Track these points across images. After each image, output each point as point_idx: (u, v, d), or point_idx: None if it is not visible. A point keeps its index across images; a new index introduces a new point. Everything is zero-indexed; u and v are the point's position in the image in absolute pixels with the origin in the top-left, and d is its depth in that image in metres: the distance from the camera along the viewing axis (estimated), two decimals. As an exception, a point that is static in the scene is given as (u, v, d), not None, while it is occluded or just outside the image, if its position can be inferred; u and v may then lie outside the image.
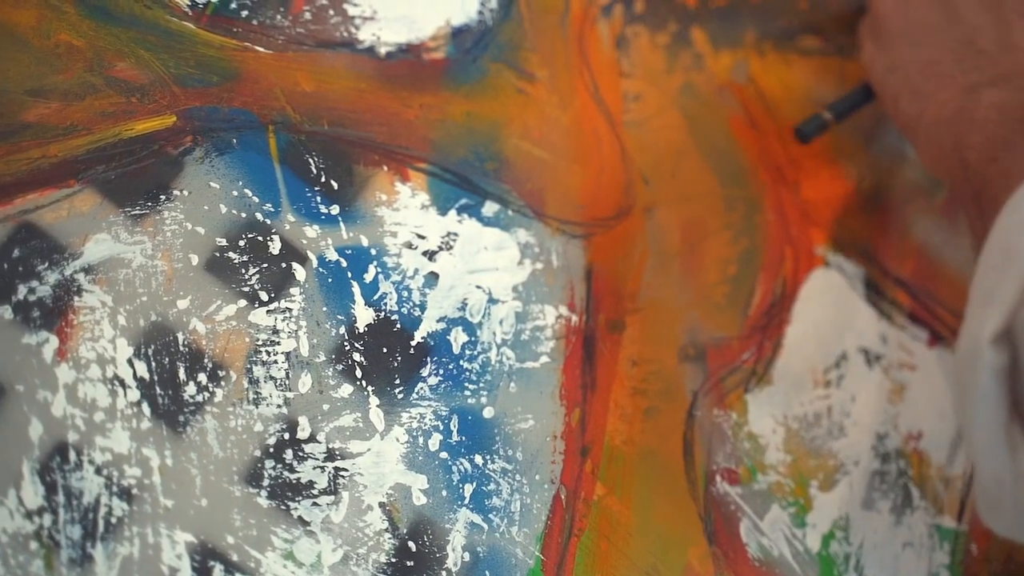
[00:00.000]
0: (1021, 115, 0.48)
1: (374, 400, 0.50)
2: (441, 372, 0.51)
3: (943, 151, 0.51)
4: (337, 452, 0.49)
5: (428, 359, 0.51)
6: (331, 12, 0.52)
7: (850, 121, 0.59)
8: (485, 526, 0.50)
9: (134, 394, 0.46)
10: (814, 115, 0.57)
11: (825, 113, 0.57)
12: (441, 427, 0.51)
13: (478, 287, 0.53)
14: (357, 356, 0.50)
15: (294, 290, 0.49)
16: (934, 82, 0.52)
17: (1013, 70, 0.50)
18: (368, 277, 0.51)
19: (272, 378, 0.48)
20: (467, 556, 0.49)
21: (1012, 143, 0.47)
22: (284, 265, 0.49)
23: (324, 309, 0.50)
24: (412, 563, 0.48)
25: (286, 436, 0.48)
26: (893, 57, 0.53)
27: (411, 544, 0.49)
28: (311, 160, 0.51)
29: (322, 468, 0.48)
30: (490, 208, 0.54)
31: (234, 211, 0.49)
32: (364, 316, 0.51)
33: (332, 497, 0.48)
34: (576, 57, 0.57)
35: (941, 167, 0.52)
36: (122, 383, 0.45)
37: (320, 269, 0.50)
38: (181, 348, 0.47)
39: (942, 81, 0.51)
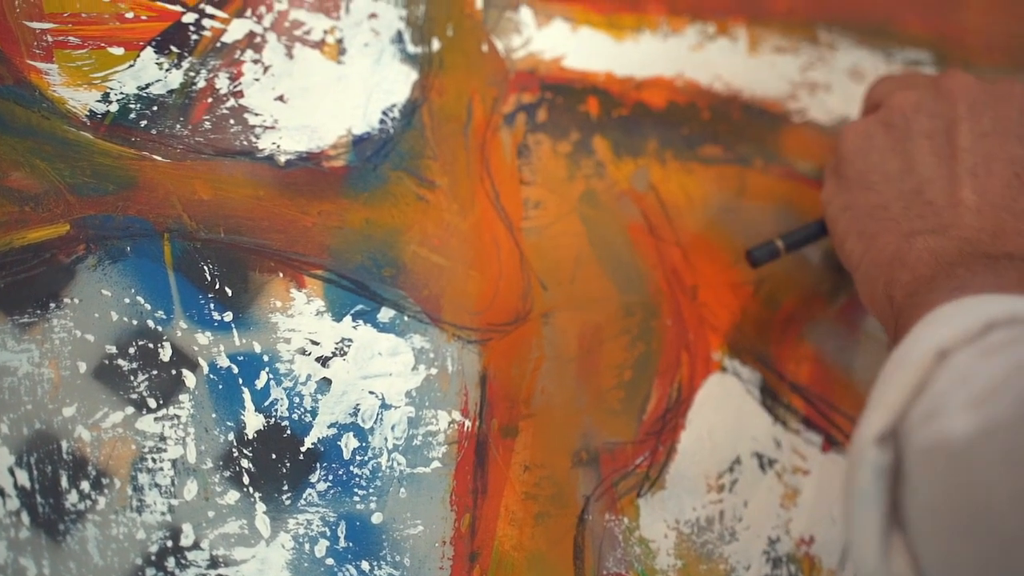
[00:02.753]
0: (952, 259, 0.50)
1: (261, 506, 0.51)
2: (330, 478, 0.52)
3: (875, 292, 0.53)
4: (221, 559, 0.49)
5: (318, 465, 0.52)
6: (232, 121, 0.53)
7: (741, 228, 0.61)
8: (369, 633, 0.51)
9: (13, 503, 0.46)
10: (768, 241, 0.59)
11: (778, 241, 0.59)
12: (328, 533, 0.51)
13: (371, 392, 0.54)
14: (245, 462, 0.51)
15: (183, 397, 0.50)
16: (880, 225, 0.54)
17: (952, 222, 0.52)
18: (259, 383, 0.52)
19: (157, 485, 0.49)
20: (348, 664, 0.50)
21: (935, 280, 0.50)
22: (174, 372, 0.50)
23: (213, 415, 0.50)
24: (292, 672, 0.49)
25: (169, 544, 0.48)
26: (849, 198, 0.56)
27: (292, 652, 0.49)
28: (206, 267, 0.52)
29: (204, 576, 0.49)
30: (386, 314, 0.55)
31: (125, 318, 0.50)
32: (254, 422, 0.51)
33: (213, 605, 0.48)
34: (477, 165, 0.58)
35: (874, 307, 0.54)
36: (1, 492, 0.46)
37: (211, 375, 0.51)
38: (65, 456, 0.47)
39: (887, 225, 0.54)
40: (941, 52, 0.70)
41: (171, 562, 0.48)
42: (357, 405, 0.53)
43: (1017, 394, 0.38)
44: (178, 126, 0.52)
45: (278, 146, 0.54)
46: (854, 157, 0.56)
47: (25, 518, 0.46)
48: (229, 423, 0.51)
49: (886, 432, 0.43)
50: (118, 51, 0.51)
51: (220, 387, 0.51)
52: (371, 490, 0.53)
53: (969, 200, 0.53)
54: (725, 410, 0.60)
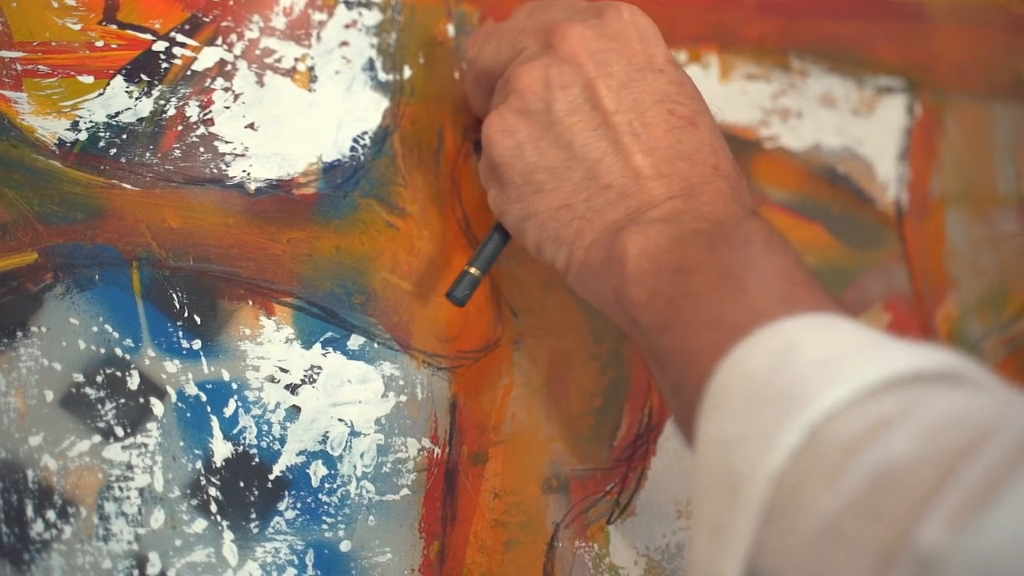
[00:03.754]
0: (674, 262, 0.45)
1: (228, 535, 0.50)
2: (299, 506, 0.52)
3: (604, 300, 0.49)
4: (187, 588, 0.49)
5: (286, 493, 0.52)
6: (202, 149, 0.53)
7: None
8: (336, 662, 0.51)
9: (-22, 533, 0.46)
10: (462, 274, 0.54)
11: (472, 270, 0.54)
12: (296, 561, 0.51)
13: (340, 420, 0.54)
14: (213, 491, 0.51)
15: (151, 425, 0.50)
16: (572, 228, 0.49)
17: (643, 201, 0.48)
18: (228, 411, 0.52)
19: (124, 514, 0.49)
20: None
21: (675, 304, 0.45)
22: (142, 400, 0.50)
23: (181, 444, 0.51)
24: None
25: (135, 573, 0.48)
26: (524, 206, 0.51)
27: None
28: (175, 295, 0.52)
29: (170, 605, 0.49)
30: (355, 341, 0.55)
31: (93, 347, 0.50)
32: (222, 450, 0.51)
33: (178, 635, 0.48)
34: (448, 192, 0.58)
35: (606, 310, 0.49)
36: (-34, 522, 0.46)
37: (179, 404, 0.51)
38: (30, 485, 0.47)
39: (579, 225, 0.49)
40: (913, 79, 0.71)
41: (137, 591, 0.48)
42: (326, 433, 0.53)
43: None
44: (148, 154, 0.52)
45: (248, 174, 0.54)
46: (509, 160, 0.51)
47: (-11, 548, 0.46)
48: (197, 451, 0.51)
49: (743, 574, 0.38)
50: (88, 79, 0.51)
51: (188, 415, 0.51)
52: (340, 518, 0.53)
53: (644, 166, 0.48)
54: (696, 436, 0.60)
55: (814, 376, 0.38)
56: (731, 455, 0.39)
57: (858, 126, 0.69)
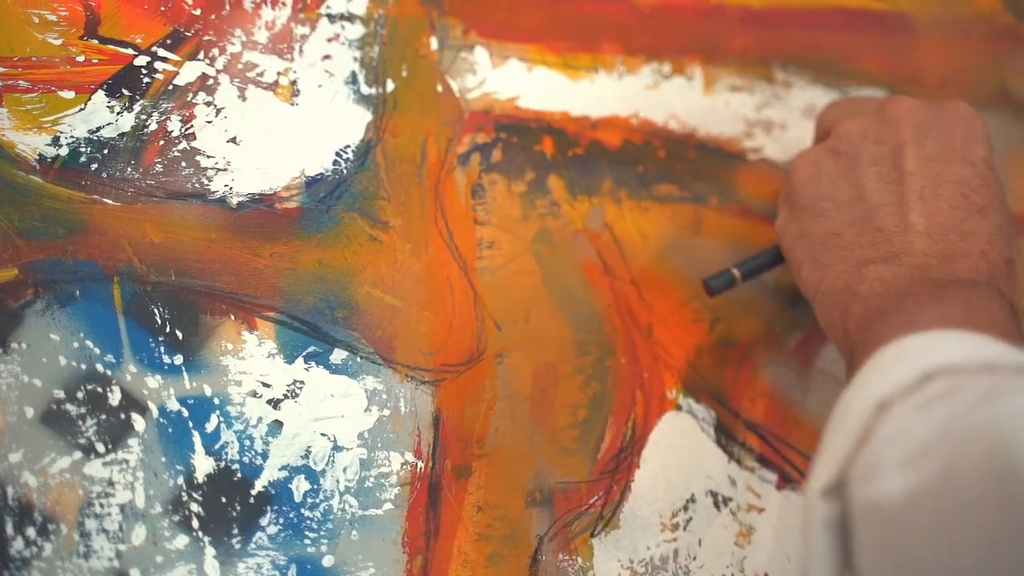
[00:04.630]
0: (902, 289, 0.51)
1: (210, 551, 0.50)
2: (281, 521, 0.52)
3: (832, 321, 0.54)
4: (169, 605, 0.49)
5: (268, 508, 0.52)
6: (183, 164, 0.53)
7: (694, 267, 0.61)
8: (318, 678, 0.51)
9: (-43, 551, 0.46)
10: (725, 270, 0.59)
11: (735, 270, 0.59)
12: (279, 577, 0.51)
13: (323, 434, 0.54)
14: (195, 506, 0.51)
15: (132, 441, 0.50)
16: (833, 254, 0.54)
17: (903, 248, 0.53)
18: (210, 427, 0.52)
19: (104, 530, 0.49)
20: None
21: (885, 313, 0.50)
22: (123, 416, 0.50)
23: (163, 459, 0.50)
24: None
25: (116, 589, 0.48)
26: (802, 226, 0.56)
27: None
28: (156, 310, 0.51)
29: (152, 621, 0.48)
30: (338, 356, 0.55)
31: (74, 363, 0.50)
32: (204, 466, 0.51)
33: (160, 652, 0.48)
34: (431, 205, 0.58)
35: (833, 336, 0.54)
36: (-55, 540, 0.46)
37: (160, 419, 0.51)
38: (10, 502, 0.47)
39: (840, 253, 0.54)
40: (896, 90, 0.71)
41: (118, 608, 0.48)
42: (309, 447, 0.53)
43: (942, 460, 0.39)
44: (129, 169, 0.52)
45: (230, 188, 0.54)
46: (805, 185, 0.57)
47: (-31, 566, 0.46)
48: (179, 467, 0.51)
49: (831, 486, 0.43)
50: (69, 95, 0.51)
51: (170, 431, 0.51)
52: (322, 532, 0.53)
53: (918, 224, 0.53)
54: (680, 448, 0.60)
55: (945, 352, 0.45)
56: (855, 396, 0.45)
57: (842, 137, 0.69)
